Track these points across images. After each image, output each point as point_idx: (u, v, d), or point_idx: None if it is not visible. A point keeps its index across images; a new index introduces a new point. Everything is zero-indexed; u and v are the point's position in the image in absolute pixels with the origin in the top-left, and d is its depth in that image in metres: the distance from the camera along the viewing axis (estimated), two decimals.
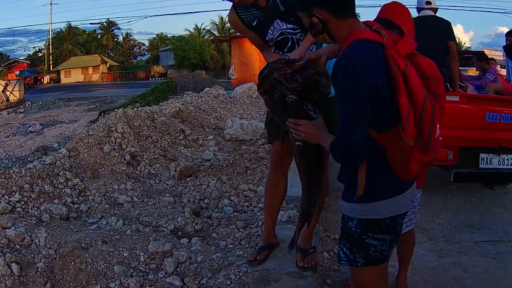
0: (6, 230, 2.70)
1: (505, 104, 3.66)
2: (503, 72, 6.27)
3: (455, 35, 4.07)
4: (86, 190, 3.70)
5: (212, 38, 41.98)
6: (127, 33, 51.87)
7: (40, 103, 19.27)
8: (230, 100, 8.80)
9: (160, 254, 2.51)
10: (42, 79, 40.44)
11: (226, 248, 2.59)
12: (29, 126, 12.54)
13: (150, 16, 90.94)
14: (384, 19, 1.97)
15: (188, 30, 45.47)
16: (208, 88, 9.71)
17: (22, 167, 3.71)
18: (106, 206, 3.42)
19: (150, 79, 37.75)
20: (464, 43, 42.92)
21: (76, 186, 3.68)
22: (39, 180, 3.52)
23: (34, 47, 52.98)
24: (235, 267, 2.22)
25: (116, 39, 49.98)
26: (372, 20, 2.00)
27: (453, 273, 2.63)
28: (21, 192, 3.32)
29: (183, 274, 2.32)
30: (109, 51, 49.10)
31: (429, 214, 3.61)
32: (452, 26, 3.81)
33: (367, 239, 1.47)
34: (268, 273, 2.07)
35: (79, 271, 2.40)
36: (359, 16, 1.51)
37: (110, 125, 4.78)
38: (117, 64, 46.01)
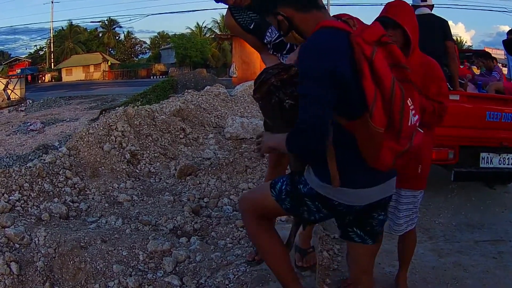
0: (6, 229, 2.70)
1: (505, 103, 3.64)
2: (504, 70, 6.24)
3: (457, 34, 4.07)
4: (86, 189, 3.70)
5: (213, 36, 41.91)
6: (128, 31, 51.84)
7: (41, 101, 19.30)
8: (231, 98, 8.78)
9: (159, 253, 2.51)
10: (43, 77, 40.50)
11: (225, 248, 2.59)
12: (30, 125, 12.57)
13: (152, 14, 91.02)
14: (387, 17, 1.96)
15: (190, 28, 45.40)
16: (209, 87, 9.70)
17: (22, 165, 3.71)
18: (106, 205, 3.43)
19: (152, 77, 37.73)
20: (465, 42, 42.70)
21: (76, 185, 3.69)
22: (39, 179, 3.52)
23: (36, 46, 53.06)
24: (234, 266, 2.22)
25: (117, 37, 49.95)
26: (374, 19, 1.99)
27: (453, 272, 2.61)
28: (21, 191, 3.33)
29: (182, 274, 2.32)
30: (110, 49, 49.08)
31: (429, 213, 3.60)
32: (449, 24, 3.80)
33: (308, 201, 1.46)
34: (266, 273, 2.07)
35: (78, 270, 2.40)
36: (325, 9, 1.49)
37: (110, 124, 4.78)
38: (118, 62, 46.02)
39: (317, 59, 1.31)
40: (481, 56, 5.61)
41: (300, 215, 1.55)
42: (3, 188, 3.27)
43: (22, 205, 3.19)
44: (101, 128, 4.67)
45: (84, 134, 4.47)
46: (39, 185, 3.47)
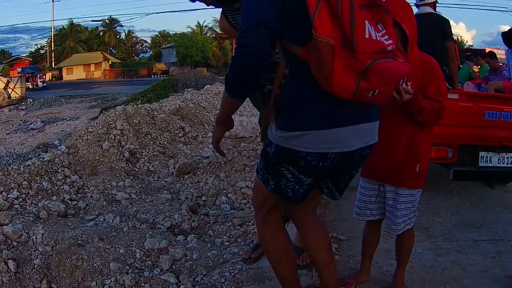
0: (4, 227, 2.71)
1: (505, 102, 3.63)
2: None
3: (458, 33, 4.07)
4: (84, 187, 3.70)
5: (214, 35, 41.90)
6: (129, 30, 51.93)
7: (42, 100, 19.34)
8: None
9: (156, 251, 2.51)
10: (44, 76, 40.50)
11: (222, 246, 2.58)
12: (31, 123, 12.60)
13: (152, 13, 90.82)
14: None
15: (190, 27, 45.41)
16: (208, 85, 9.71)
17: (21, 164, 3.71)
18: (104, 203, 3.43)
19: (152, 76, 37.78)
20: (466, 41, 42.72)
21: (74, 183, 3.69)
22: (38, 177, 3.53)
23: (36, 44, 53.00)
24: (230, 264, 2.22)
25: (118, 36, 49.96)
26: None
27: (452, 272, 2.59)
28: (19, 189, 3.33)
29: (178, 271, 2.32)
30: (111, 48, 49.10)
31: (428, 212, 3.58)
32: (450, 24, 3.78)
33: (281, 168, 1.36)
34: (262, 271, 2.06)
35: (75, 268, 2.40)
36: None
37: (110, 122, 4.78)
38: (119, 61, 46.06)
39: None
40: (487, 56, 5.62)
41: (285, 195, 1.41)
42: (2, 186, 3.28)
43: (21, 203, 3.19)
44: (100, 127, 4.67)
45: (83, 132, 4.48)
46: (38, 183, 3.47)
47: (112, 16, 47.84)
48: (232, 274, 2.13)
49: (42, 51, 48.09)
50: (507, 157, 3.59)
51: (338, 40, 1.18)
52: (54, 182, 3.60)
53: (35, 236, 2.65)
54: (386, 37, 1.26)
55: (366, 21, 1.21)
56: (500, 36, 2.84)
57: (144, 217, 3.06)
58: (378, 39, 1.23)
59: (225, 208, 3.31)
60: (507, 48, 4.38)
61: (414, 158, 2.02)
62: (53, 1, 45.09)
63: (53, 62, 43.63)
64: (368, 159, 2.13)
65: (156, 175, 4.32)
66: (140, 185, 3.95)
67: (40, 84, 29.34)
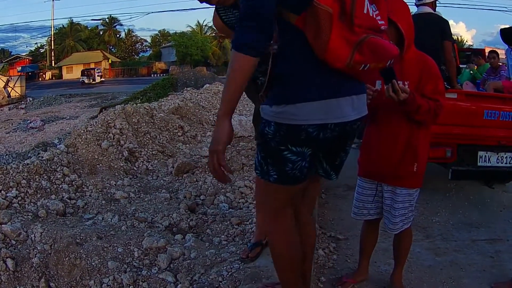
0: (2, 225, 2.71)
1: (503, 101, 3.63)
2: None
3: (457, 33, 4.06)
4: (83, 186, 3.70)
5: (214, 34, 41.90)
6: (129, 30, 51.94)
7: (42, 99, 19.35)
8: None
9: (154, 250, 2.51)
10: (44, 75, 40.53)
11: (220, 245, 2.58)
12: (30, 122, 12.61)
13: (152, 13, 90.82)
14: None
15: (190, 26, 45.41)
16: (208, 85, 9.71)
17: (20, 163, 3.71)
18: (103, 202, 3.43)
19: (152, 75, 37.80)
20: (466, 41, 42.75)
21: (73, 182, 3.69)
22: (36, 176, 3.53)
23: (36, 43, 53.11)
24: (228, 263, 2.22)
25: (118, 35, 49.98)
26: None
27: (450, 271, 2.60)
28: (18, 187, 3.34)
29: (176, 270, 2.32)
30: (111, 47, 49.12)
31: (427, 212, 3.58)
32: (449, 24, 3.78)
33: (284, 151, 1.30)
34: (259, 270, 2.06)
35: (74, 267, 2.40)
36: None
37: (109, 121, 4.79)
38: (119, 60, 46.12)
39: None
40: (490, 54, 5.61)
41: (291, 179, 1.34)
42: (1, 185, 3.28)
43: (19, 202, 3.19)
44: (99, 126, 4.67)
45: (82, 131, 4.48)
46: (37, 182, 3.47)
47: (112, 15, 48.03)
48: (229, 273, 2.13)
49: (42, 50, 48.13)
50: (506, 157, 3.59)
51: (335, 11, 1.20)
52: (53, 181, 3.60)
53: (33, 235, 2.65)
54: (379, 17, 1.30)
55: (369, 5, 1.26)
56: (500, 36, 2.84)
57: (142, 216, 3.06)
58: (374, 16, 1.28)
59: (223, 207, 3.31)
60: (507, 48, 4.38)
61: (412, 158, 2.03)
62: (53, 0, 45.12)
63: (53, 61, 43.66)
64: (365, 159, 2.14)
65: (155, 174, 4.32)
66: (139, 184, 3.95)
67: (97, 79, 32.70)
